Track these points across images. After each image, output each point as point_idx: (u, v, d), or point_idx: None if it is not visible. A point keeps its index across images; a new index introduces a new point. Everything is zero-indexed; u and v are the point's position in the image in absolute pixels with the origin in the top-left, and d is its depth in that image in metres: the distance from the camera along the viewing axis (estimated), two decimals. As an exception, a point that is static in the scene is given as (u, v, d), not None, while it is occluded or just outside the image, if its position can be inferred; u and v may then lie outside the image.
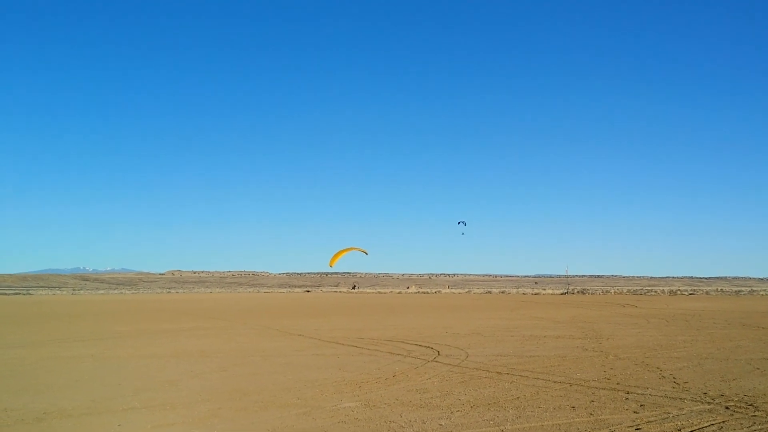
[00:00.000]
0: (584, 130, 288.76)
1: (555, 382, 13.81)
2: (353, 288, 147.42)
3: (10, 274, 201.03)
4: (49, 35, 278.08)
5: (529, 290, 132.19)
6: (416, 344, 22.03)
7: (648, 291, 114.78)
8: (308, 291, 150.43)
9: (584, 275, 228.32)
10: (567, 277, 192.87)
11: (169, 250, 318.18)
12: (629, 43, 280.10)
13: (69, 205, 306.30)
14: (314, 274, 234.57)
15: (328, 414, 10.95)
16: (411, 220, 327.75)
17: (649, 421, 10.06)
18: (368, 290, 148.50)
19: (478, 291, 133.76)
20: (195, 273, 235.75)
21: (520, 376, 14.71)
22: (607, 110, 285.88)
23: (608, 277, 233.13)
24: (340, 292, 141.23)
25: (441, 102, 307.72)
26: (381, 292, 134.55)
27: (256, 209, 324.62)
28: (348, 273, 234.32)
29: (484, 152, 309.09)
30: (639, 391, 12.56)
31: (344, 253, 70.21)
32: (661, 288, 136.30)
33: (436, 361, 17.47)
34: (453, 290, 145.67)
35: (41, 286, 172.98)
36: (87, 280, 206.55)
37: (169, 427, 10.18)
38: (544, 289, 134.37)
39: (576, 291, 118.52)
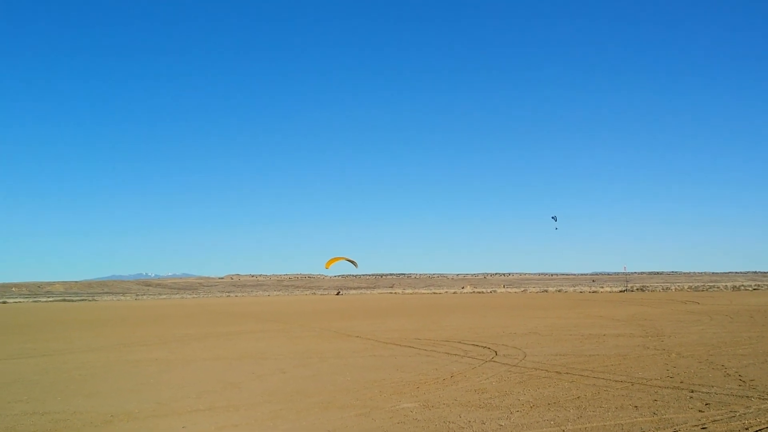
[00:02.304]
0: (643, 125, 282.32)
1: (616, 381, 13.61)
2: (338, 293, 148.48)
3: (77, 281, 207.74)
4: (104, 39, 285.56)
5: (586, 288, 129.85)
6: (473, 344, 21.97)
7: (710, 287, 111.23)
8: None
9: (643, 272, 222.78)
10: (625, 274, 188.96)
11: (228, 255, 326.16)
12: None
13: (132, 213, 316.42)
14: (369, 275, 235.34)
15: (387, 414, 11.05)
16: (466, 220, 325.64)
17: (714, 420, 9.84)
18: (400, 292, 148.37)
19: (534, 290, 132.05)
20: (253, 276, 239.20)
21: (580, 375, 14.54)
22: (662, 105, 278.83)
23: (668, 273, 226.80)
24: (394, 293, 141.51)
25: (499, 100, 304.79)
26: (436, 293, 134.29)
27: (312, 212, 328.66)
28: (402, 274, 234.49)
29: (540, 150, 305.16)
30: (704, 390, 12.27)
31: (338, 260, 77.98)
32: (724, 284, 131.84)
33: (494, 361, 17.41)
34: (509, 290, 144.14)
35: (106, 293, 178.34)
36: (149, 285, 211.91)
37: (232, 428, 10.44)
38: (602, 287, 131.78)
39: (635, 288, 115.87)
